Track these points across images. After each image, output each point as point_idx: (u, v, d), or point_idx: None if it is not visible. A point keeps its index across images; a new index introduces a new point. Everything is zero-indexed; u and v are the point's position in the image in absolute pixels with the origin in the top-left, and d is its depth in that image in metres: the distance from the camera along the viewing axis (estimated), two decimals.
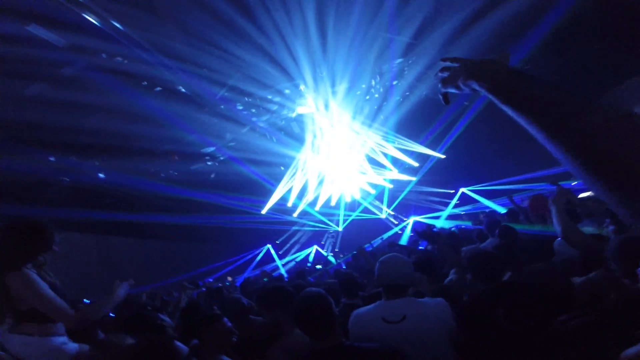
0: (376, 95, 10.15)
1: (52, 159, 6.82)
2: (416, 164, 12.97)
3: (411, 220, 14.44)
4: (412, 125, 11.19)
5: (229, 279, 10.45)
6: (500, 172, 11.27)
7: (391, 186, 14.02)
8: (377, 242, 12.23)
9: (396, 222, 14.92)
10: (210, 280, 9.51)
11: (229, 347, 2.34)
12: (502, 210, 9.66)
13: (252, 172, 11.45)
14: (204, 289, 6.25)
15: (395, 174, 13.32)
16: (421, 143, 12.10)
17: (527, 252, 3.23)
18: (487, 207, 11.67)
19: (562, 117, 0.56)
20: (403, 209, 15.09)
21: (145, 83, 6.37)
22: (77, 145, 6.83)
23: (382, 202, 14.92)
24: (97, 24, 4.92)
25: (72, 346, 2.05)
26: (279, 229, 14.29)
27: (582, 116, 0.54)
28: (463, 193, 13.53)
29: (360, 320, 2.08)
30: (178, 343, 1.76)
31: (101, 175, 8.31)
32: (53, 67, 5.22)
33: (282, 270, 11.76)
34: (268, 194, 12.58)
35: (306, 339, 1.79)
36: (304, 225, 14.87)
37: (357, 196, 13.99)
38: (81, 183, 7.99)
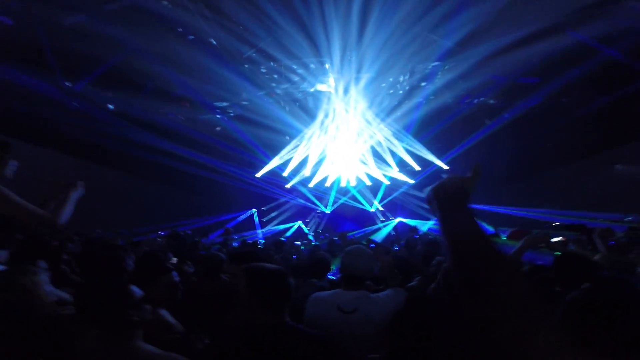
0: (400, 92, 10.07)
1: (68, 84, 6.65)
2: (418, 168, 13.06)
3: (397, 220, 14.71)
4: (426, 129, 11.18)
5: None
6: (499, 198, 11.42)
7: (388, 182, 14.15)
8: (359, 233, 12.48)
9: (382, 218, 15.17)
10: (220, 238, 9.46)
11: (172, 302, 2.29)
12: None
13: (250, 137, 11.41)
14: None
15: (395, 173, 13.43)
16: (429, 149, 12.14)
17: None
18: None
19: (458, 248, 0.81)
20: (392, 208, 15.30)
21: (181, 29, 6.18)
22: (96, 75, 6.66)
23: (374, 195, 15.09)
24: None
25: None
26: (268, 197, 14.36)
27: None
28: None
29: (318, 303, 2.17)
30: (134, 287, 1.66)
31: (110, 106, 8.17)
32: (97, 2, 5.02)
33: (260, 238, 11.91)
34: (266, 160, 12.59)
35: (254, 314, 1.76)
36: (294, 198, 15.00)
37: (352, 183, 14.13)
38: (88, 110, 7.85)
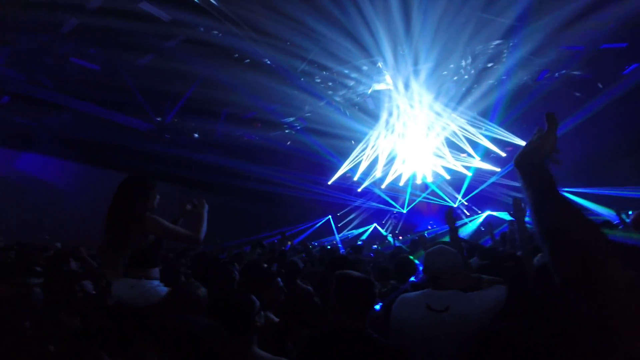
0: (466, 77, 9.31)
1: (158, 119, 7.98)
2: (504, 154, 11.82)
3: (485, 213, 13.46)
4: (505, 112, 10.08)
5: (289, 242, 11.27)
6: (612, 178, 9.58)
7: (470, 174, 13.10)
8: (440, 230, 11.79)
9: (468, 214, 14.05)
10: (275, 241, 10.37)
11: (278, 305, 2.57)
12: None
13: (321, 144, 11.79)
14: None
15: (478, 162, 12.37)
16: (514, 132, 10.90)
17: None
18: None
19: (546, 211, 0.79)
20: (479, 201, 14.06)
21: (237, 55, 6.89)
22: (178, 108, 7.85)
23: (457, 190, 14.10)
24: (196, 0, 5.42)
25: (164, 289, 2.46)
26: (342, 203, 14.61)
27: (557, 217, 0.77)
28: None
29: (405, 304, 2.16)
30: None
31: (196, 135, 9.45)
32: (159, 40, 5.98)
33: (339, 243, 12.19)
34: (335, 168, 12.87)
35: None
36: (367, 202, 14.94)
37: (429, 179, 13.44)
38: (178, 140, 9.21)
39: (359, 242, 10.25)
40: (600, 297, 0.62)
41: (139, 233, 2.33)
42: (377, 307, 3.36)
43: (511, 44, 7.12)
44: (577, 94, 7.95)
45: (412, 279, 3.42)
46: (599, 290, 0.63)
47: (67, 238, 6.35)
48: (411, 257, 3.63)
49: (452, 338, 1.89)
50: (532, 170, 0.84)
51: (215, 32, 5.99)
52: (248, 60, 7.41)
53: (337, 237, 13.94)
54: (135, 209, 2.35)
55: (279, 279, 2.67)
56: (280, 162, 12.58)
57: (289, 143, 12.57)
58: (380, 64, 8.36)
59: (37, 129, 8.27)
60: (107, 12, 5.16)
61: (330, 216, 15.09)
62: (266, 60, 7.60)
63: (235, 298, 1.81)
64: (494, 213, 13.42)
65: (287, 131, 11.83)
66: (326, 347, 1.77)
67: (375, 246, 10.41)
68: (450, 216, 3.26)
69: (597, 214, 9.82)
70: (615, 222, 5.32)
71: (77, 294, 2.71)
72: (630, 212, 5.39)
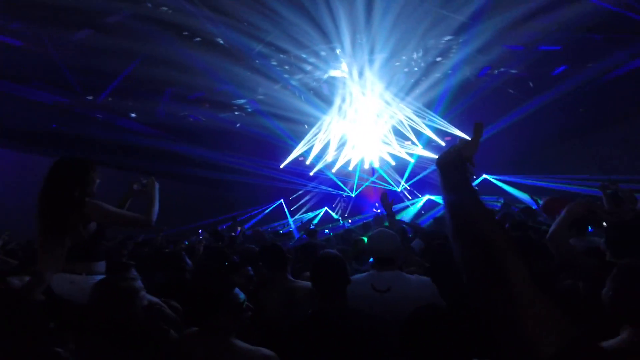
0: (416, 69, 9.72)
1: (89, 97, 7.01)
2: (443, 143, 12.72)
3: (425, 197, 14.50)
4: (447, 104, 10.79)
5: (239, 228, 11.03)
6: (534, 167, 10.88)
7: (413, 161, 13.92)
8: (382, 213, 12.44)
9: (410, 197, 15.01)
10: (223, 227, 10.05)
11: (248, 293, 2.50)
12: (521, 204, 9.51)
13: (275, 126, 11.54)
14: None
15: (420, 150, 13.16)
16: (453, 124, 11.74)
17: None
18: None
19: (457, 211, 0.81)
20: (421, 186, 15.07)
21: (186, 33, 6.28)
22: (115, 87, 6.96)
23: (401, 175, 14.91)
24: None
25: None
26: (294, 188, 14.61)
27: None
28: (485, 179, 13.34)
29: (354, 285, 2.22)
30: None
31: (133, 114, 8.53)
32: (101, 15, 5.18)
33: (293, 227, 12.26)
34: (287, 151, 12.74)
35: None
36: (318, 186, 15.14)
37: (377, 164, 14.02)
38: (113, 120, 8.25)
39: (311, 226, 10.45)
40: (506, 288, 0.65)
41: (79, 221, 2.07)
42: None
43: (461, 40, 7.53)
44: (511, 91, 8.77)
45: (371, 260, 3.57)
46: (504, 281, 0.65)
47: None
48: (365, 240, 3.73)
49: (394, 317, 1.99)
50: (451, 171, 0.87)
51: (165, 8, 5.35)
52: (199, 39, 6.81)
53: (291, 220, 13.96)
54: (72, 194, 2.07)
55: (249, 268, 2.59)
56: (229, 145, 12.03)
57: (238, 125, 12.05)
58: (338, 51, 8.31)
59: None
60: None
61: (282, 200, 14.99)
62: (219, 39, 7.06)
63: (219, 289, 1.71)
64: (433, 197, 14.50)
65: (236, 113, 11.30)
66: (314, 329, 1.80)
67: (327, 231, 10.65)
68: (386, 200, 3.44)
69: (518, 199, 11.20)
70: (534, 208, 6.11)
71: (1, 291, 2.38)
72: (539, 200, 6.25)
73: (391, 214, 3.38)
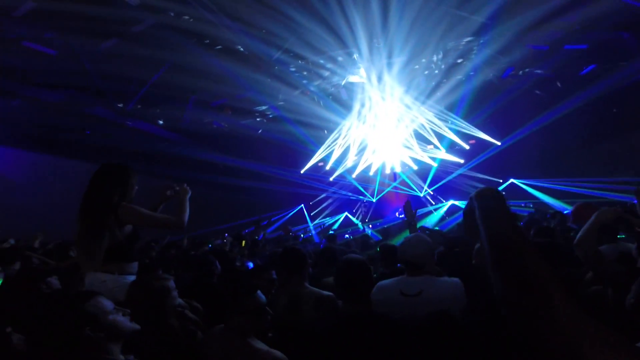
0: (436, 72, 9.59)
1: (120, 105, 7.44)
2: (467, 147, 12.41)
3: (449, 203, 14.13)
4: (471, 107, 10.54)
5: (262, 233, 11.17)
6: (564, 171, 10.36)
7: (436, 165, 13.64)
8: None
9: (433, 202, 14.68)
10: (246, 232, 10.22)
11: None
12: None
13: (294, 133, 11.71)
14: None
15: (443, 154, 12.89)
16: (477, 127, 11.44)
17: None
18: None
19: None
20: (445, 191, 14.71)
21: (208, 41, 6.55)
22: (142, 94, 7.36)
23: (424, 180, 14.64)
24: None
25: None
26: (314, 194, 14.68)
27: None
28: (513, 184, 12.84)
29: (381, 291, 2.24)
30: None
31: (160, 121, 8.95)
32: (125, 25, 5.53)
33: (313, 232, 12.32)
34: (308, 157, 12.86)
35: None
36: (338, 191, 15.14)
37: (398, 169, 13.84)
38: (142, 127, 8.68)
39: (331, 232, 10.45)
40: (553, 323, 0.61)
41: (116, 224, 2.18)
42: None
43: (481, 41, 7.38)
44: (537, 92, 8.45)
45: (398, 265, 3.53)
46: (550, 316, 0.61)
47: (20, 232, 5.83)
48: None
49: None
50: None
51: (187, 17, 5.63)
52: (220, 47, 7.09)
53: (311, 225, 14.03)
54: (112, 198, 2.19)
55: (273, 272, 2.64)
56: (251, 151, 12.33)
57: (260, 131, 12.33)
58: (355, 56, 8.36)
59: None
60: None
61: (302, 205, 15.10)
62: (239, 47, 7.31)
63: (248, 294, 1.81)
64: (457, 202, 14.10)
65: (258, 119, 11.58)
66: (339, 333, 1.81)
67: (347, 235, 10.62)
68: (409, 208, 3.40)
69: (548, 205, 10.69)
70: (564, 213, 5.83)
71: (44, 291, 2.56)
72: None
73: (413, 223, 3.36)
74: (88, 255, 2.12)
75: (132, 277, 2.26)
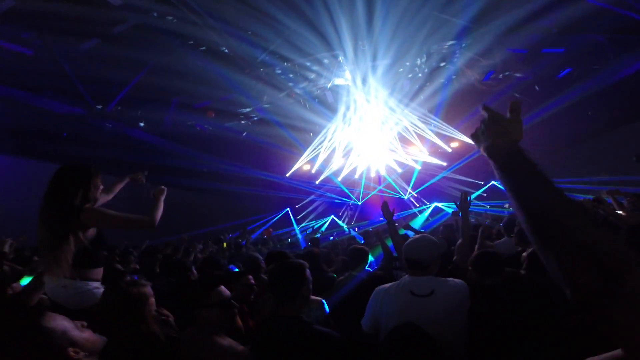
0: (419, 75, 9.74)
1: (99, 107, 7.20)
2: (449, 150, 12.65)
3: (433, 205, 14.36)
4: (454, 110, 10.75)
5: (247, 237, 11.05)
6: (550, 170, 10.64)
7: (419, 167, 13.84)
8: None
9: (417, 205, 14.88)
10: (231, 236, 10.08)
11: (248, 301, 2.54)
12: None
13: (281, 134, 11.64)
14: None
15: (426, 157, 13.08)
16: (460, 130, 11.68)
17: None
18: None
19: (539, 213, 0.68)
20: (429, 194, 14.94)
21: (192, 42, 6.44)
22: (123, 96, 7.15)
23: (408, 182, 14.82)
24: None
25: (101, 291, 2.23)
26: (300, 197, 14.63)
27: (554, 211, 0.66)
28: (493, 185, 13.17)
29: (388, 294, 2.21)
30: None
31: (141, 124, 8.71)
32: (106, 25, 5.37)
33: (299, 236, 12.25)
34: (293, 160, 12.81)
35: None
36: (323, 194, 15.14)
37: (383, 172, 13.96)
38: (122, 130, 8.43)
39: (317, 235, 10.45)
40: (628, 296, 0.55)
41: (78, 227, 2.08)
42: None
43: (463, 44, 7.55)
44: (516, 95, 8.71)
45: (367, 267, 3.51)
46: (621, 287, 0.56)
47: None
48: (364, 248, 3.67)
49: (440, 322, 1.99)
50: (516, 164, 0.75)
51: (170, 17, 5.52)
52: (204, 48, 6.98)
53: (297, 229, 13.95)
54: (73, 200, 2.09)
55: (250, 277, 2.61)
56: (235, 154, 12.15)
57: (244, 134, 12.19)
58: (341, 58, 8.40)
59: None
60: None
61: (289, 208, 15.01)
62: (224, 48, 7.22)
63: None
64: (440, 204, 14.33)
65: (242, 122, 11.44)
66: (265, 336, 1.84)
67: (332, 237, 10.61)
68: (386, 209, 3.41)
69: None
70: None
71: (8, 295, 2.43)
72: None
73: (392, 223, 3.36)
74: (54, 262, 2.02)
75: (95, 284, 2.18)
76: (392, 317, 2.11)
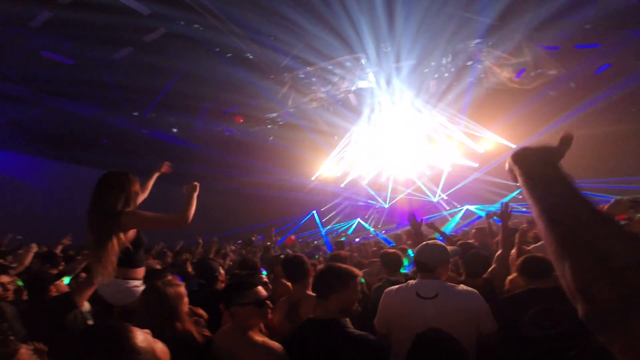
0: (446, 75, 9.51)
1: (135, 114, 7.71)
2: (481, 151, 12.18)
3: (464, 208, 13.86)
4: (485, 110, 10.37)
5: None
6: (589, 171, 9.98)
7: (449, 169, 13.44)
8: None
9: (447, 207, 14.43)
10: (261, 239, 10.29)
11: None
12: None
13: (306, 138, 11.78)
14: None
15: (457, 158, 12.69)
16: (492, 130, 11.24)
17: None
18: None
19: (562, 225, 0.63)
20: (460, 196, 14.45)
21: (218, 49, 6.72)
22: (157, 103, 7.61)
23: (437, 184, 14.43)
24: None
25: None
26: (326, 200, 14.68)
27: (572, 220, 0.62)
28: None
29: (398, 292, 2.26)
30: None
31: (174, 130, 9.20)
32: (138, 34, 5.76)
33: (325, 239, 12.29)
34: (320, 164, 12.90)
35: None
36: (349, 197, 15.09)
37: (411, 175, 13.69)
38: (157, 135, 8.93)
39: (343, 239, 10.46)
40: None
41: (119, 230, 2.23)
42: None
43: (490, 42, 7.29)
44: (552, 93, 8.26)
45: (403, 270, 3.49)
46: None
47: (40, 238, 6.07)
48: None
49: (439, 323, 1.95)
50: (541, 169, 0.72)
51: (197, 25, 5.82)
52: (230, 55, 7.27)
53: (323, 232, 14.01)
54: (115, 205, 2.25)
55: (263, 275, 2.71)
56: (262, 158, 12.47)
57: (271, 139, 12.47)
58: (363, 61, 8.40)
59: (5, 125, 7.80)
60: (82, 5, 4.91)
61: (314, 211, 15.11)
62: (249, 55, 7.48)
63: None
64: (472, 207, 13.81)
65: (269, 126, 11.73)
66: (301, 338, 1.88)
67: (357, 239, 10.56)
68: (415, 222, 3.39)
69: None
70: None
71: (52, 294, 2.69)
72: None
73: (419, 233, 3.36)
74: (99, 263, 2.19)
75: (136, 282, 2.34)
76: (398, 317, 2.16)
